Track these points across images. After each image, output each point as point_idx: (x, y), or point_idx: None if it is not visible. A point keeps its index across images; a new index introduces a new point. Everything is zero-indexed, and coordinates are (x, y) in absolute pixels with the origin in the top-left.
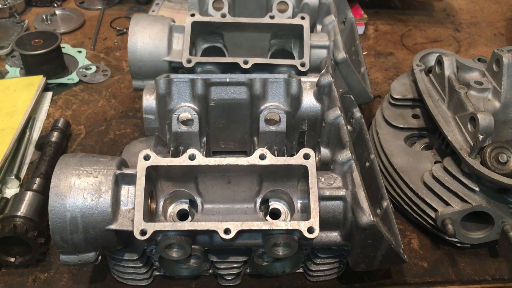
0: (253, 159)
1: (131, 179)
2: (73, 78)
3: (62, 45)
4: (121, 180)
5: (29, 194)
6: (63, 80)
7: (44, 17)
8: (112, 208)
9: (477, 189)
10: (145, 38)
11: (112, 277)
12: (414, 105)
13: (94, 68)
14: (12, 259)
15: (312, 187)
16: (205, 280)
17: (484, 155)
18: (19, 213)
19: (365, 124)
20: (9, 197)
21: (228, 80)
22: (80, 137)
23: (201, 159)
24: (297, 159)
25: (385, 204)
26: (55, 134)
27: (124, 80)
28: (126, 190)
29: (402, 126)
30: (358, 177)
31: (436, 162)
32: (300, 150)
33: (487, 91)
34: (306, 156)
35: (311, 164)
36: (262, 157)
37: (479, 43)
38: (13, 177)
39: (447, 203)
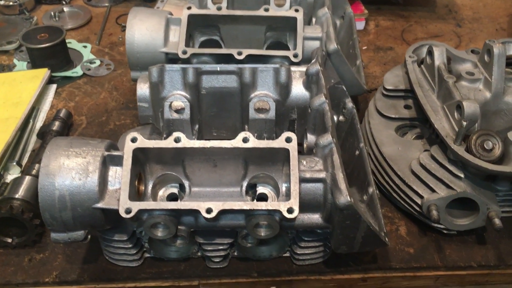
0: (236, 142)
1: (119, 161)
2: (77, 71)
3: (68, 40)
4: (109, 161)
5: (27, 179)
6: (68, 73)
7: (53, 14)
8: (99, 188)
9: (462, 175)
10: (143, 30)
11: (104, 258)
12: (406, 96)
13: (98, 62)
14: (9, 240)
15: (293, 169)
16: (193, 262)
17: (469, 142)
18: (16, 196)
19: (356, 114)
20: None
21: (218, 69)
22: (81, 127)
23: (186, 142)
24: (279, 142)
25: (371, 190)
26: (57, 123)
27: (126, 73)
28: (113, 171)
29: (393, 116)
30: (338, 160)
31: (425, 151)
32: (282, 134)
33: (478, 81)
34: (288, 140)
35: (292, 147)
36: (245, 140)
37: (480, 38)
38: (14, 163)
39: (433, 190)
